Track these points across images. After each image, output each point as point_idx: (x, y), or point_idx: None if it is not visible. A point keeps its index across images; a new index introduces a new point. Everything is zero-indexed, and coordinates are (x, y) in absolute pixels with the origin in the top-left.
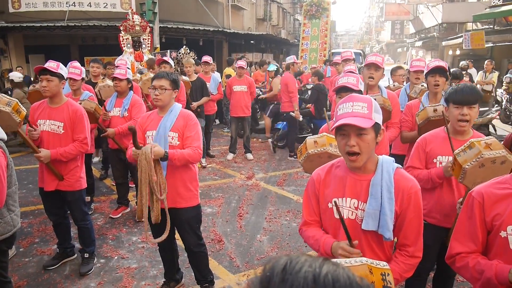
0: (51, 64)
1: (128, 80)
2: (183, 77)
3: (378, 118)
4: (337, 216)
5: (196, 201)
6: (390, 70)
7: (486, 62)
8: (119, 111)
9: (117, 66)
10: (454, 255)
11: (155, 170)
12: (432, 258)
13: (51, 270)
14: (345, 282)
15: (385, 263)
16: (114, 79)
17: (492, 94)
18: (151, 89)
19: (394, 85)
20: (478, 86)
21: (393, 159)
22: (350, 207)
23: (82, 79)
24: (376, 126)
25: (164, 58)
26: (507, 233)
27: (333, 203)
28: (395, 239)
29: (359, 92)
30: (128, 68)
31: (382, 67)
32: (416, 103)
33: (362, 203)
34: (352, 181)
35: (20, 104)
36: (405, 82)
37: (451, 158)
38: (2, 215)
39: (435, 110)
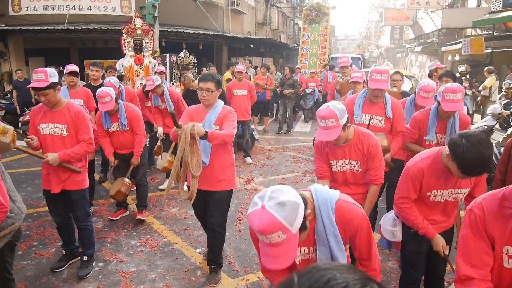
0: (38, 77)
1: (115, 99)
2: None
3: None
4: None
5: (232, 185)
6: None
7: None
8: (118, 126)
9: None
10: (463, 280)
11: (193, 149)
12: (423, 262)
13: (50, 274)
14: None
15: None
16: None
17: (490, 98)
18: (199, 91)
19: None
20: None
21: (328, 197)
22: (301, 253)
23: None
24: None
25: (161, 68)
26: (502, 252)
27: None
28: None
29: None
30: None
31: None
32: (423, 117)
33: (312, 248)
34: None
35: (5, 124)
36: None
37: (445, 191)
38: (11, 210)
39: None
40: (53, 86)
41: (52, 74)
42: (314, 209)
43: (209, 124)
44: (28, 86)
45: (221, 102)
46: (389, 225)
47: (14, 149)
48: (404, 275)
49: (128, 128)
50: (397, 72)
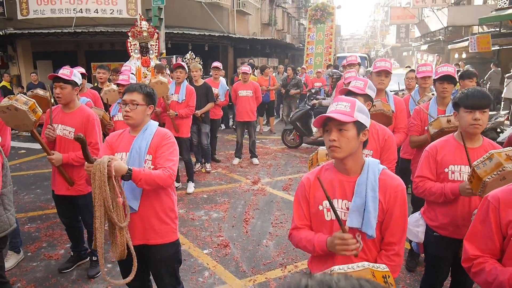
0: (64, 72)
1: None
2: (161, 77)
3: (361, 117)
4: (328, 218)
5: (174, 236)
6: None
7: None
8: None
9: (121, 72)
10: (472, 259)
11: (115, 191)
12: (445, 270)
13: (58, 275)
14: None
15: (384, 265)
16: (118, 85)
17: None
18: (122, 104)
19: (403, 94)
20: None
21: (378, 161)
22: (342, 208)
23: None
24: (357, 124)
25: (181, 63)
26: None
27: (324, 205)
28: None
29: (367, 96)
30: (133, 73)
31: (391, 72)
32: (424, 107)
33: (350, 202)
34: (341, 182)
35: (37, 105)
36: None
37: (463, 167)
38: None
39: (448, 121)
40: (73, 83)
41: (76, 74)
42: (363, 165)
43: (138, 154)
44: (51, 74)
45: (154, 124)
46: (413, 225)
47: (31, 131)
48: (425, 276)
49: None
50: (412, 71)
